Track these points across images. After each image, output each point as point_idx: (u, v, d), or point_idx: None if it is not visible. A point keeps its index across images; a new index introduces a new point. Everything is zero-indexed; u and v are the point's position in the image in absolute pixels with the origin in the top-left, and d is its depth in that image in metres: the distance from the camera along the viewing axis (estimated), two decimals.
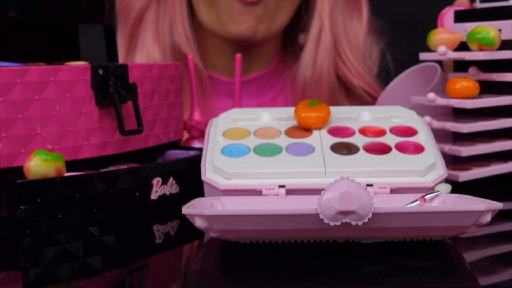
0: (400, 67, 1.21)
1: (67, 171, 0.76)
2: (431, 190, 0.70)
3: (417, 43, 1.11)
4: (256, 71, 1.25)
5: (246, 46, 1.21)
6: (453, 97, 0.85)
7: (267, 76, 1.26)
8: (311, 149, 0.74)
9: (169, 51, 1.22)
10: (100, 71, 0.78)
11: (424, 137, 0.76)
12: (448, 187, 0.68)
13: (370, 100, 1.23)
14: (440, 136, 0.93)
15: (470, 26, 0.88)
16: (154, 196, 0.77)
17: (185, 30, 1.21)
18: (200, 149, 0.92)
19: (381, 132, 0.77)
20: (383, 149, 0.74)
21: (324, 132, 0.78)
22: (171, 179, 0.79)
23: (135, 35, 1.23)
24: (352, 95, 1.24)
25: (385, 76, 1.25)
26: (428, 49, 0.91)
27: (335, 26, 1.20)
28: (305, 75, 1.21)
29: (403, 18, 1.26)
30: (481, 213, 0.57)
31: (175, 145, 0.96)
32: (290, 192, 0.70)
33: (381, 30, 1.24)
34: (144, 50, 1.22)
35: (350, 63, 1.21)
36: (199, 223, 0.58)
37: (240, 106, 1.02)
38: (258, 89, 1.26)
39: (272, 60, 1.25)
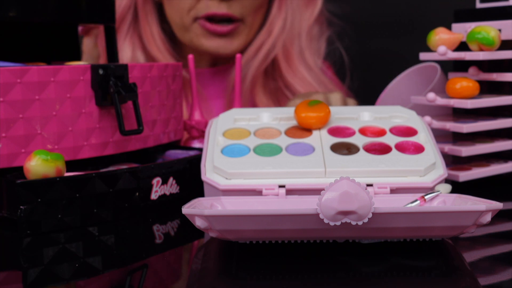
0: (350, 55, 1.23)
1: (67, 171, 0.76)
2: (431, 190, 0.70)
3: (417, 43, 1.11)
4: (222, 63, 1.29)
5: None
6: (453, 97, 0.85)
7: (229, 69, 1.30)
8: (311, 149, 0.75)
9: (146, 57, 1.28)
10: (100, 71, 0.78)
11: (424, 137, 0.76)
12: (448, 187, 0.68)
13: None
14: (440, 136, 0.93)
15: (470, 26, 0.88)
16: (154, 196, 0.77)
17: (156, 43, 1.26)
18: (200, 149, 0.92)
19: (381, 132, 0.77)
20: (383, 149, 0.74)
21: (324, 132, 0.78)
22: (171, 179, 0.79)
23: None
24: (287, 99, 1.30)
25: (339, 65, 1.27)
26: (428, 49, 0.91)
27: (279, 44, 1.25)
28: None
29: (401, 18, 1.26)
30: (481, 213, 0.57)
31: (175, 145, 0.96)
32: (290, 192, 0.70)
33: (329, 19, 1.26)
34: (124, 57, 1.27)
35: (285, 70, 1.26)
36: (199, 223, 0.58)
37: (240, 106, 1.02)
38: (225, 81, 1.30)
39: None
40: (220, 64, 1.29)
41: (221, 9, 1.18)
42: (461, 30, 0.90)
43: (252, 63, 1.25)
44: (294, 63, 1.26)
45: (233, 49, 1.23)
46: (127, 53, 1.26)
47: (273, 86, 1.28)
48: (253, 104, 1.28)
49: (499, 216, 0.70)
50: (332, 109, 0.82)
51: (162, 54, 1.25)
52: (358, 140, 0.76)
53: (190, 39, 1.23)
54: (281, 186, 0.70)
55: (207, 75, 1.28)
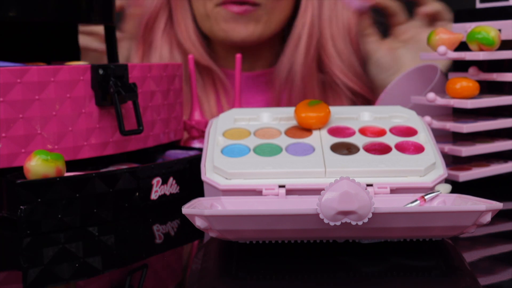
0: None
1: (67, 171, 0.76)
2: (431, 190, 0.70)
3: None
4: (261, 68, 1.29)
5: (244, 51, 1.25)
6: (453, 97, 0.85)
7: (272, 73, 1.29)
8: (311, 149, 0.75)
9: (182, 54, 1.28)
10: (100, 71, 0.78)
11: (424, 137, 0.76)
12: (448, 187, 0.68)
13: (353, 98, 1.26)
14: (440, 136, 0.93)
15: (470, 26, 0.88)
16: (154, 196, 0.77)
17: (191, 39, 1.27)
18: (200, 149, 0.92)
19: (381, 132, 0.77)
20: (383, 149, 0.74)
21: (324, 132, 0.78)
22: (171, 179, 0.79)
23: (148, 39, 1.28)
24: (336, 93, 1.27)
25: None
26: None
27: (319, 24, 1.25)
28: (279, 78, 1.26)
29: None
30: (481, 213, 0.57)
31: (175, 145, 0.96)
32: (290, 192, 0.70)
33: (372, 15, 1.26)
34: (157, 53, 1.28)
35: (334, 60, 1.25)
36: (199, 223, 0.58)
37: (240, 105, 1.02)
38: (263, 85, 1.30)
39: (276, 59, 1.29)
40: (258, 69, 1.29)
41: None
42: (461, 30, 0.90)
43: (296, 57, 1.25)
44: (343, 57, 1.25)
45: (248, 33, 1.23)
46: (165, 51, 1.27)
47: (323, 80, 1.27)
48: (304, 97, 1.26)
49: (499, 216, 0.70)
50: (332, 109, 0.82)
51: (197, 50, 1.26)
52: (358, 140, 0.76)
53: (210, 27, 1.24)
54: (281, 186, 0.70)
55: (243, 79, 1.28)
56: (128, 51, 1.29)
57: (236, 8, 1.21)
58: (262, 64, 1.29)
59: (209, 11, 1.23)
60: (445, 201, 0.66)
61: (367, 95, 1.27)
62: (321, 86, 1.28)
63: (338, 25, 1.25)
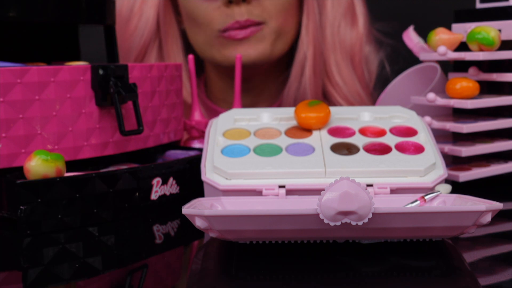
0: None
1: (67, 171, 0.76)
2: (431, 190, 0.70)
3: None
4: (265, 100, 1.24)
5: (249, 81, 1.20)
6: (453, 97, 0.85)
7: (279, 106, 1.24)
8: (311, 149, 0.75)
9: None
10: (100, 71, 0.78)
11: (424, 137, 0.76)
12: (448, 187, 0.68)
13: None
14: (440, 136, 0.93)
15: (470, 26, 0.88)
16: (154, 196, 0.77)
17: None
18: (200, 149, 0.92)
19: (381, 132, 0.77)
20: (383, 149, 0.74)
21: (324, 132, 0.78)
22: (171, 179, 0.79)
23: None
24: None
25: (383, 88, 1.22)
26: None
27: (320, 50, 1.19)
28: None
29: (404, 19, 1.25)
30: (481, 213, 0.57)
31: (175, 145, 0.96)
32: (290, 192, 0.70)
33: (380, 40, 1.21)
34: None
35: (339, 88, 1.20)
36: (199, 223, 0.58)
37: (240, 106, 1.02)
38: None
39: (278, 95, 1.24)
40: (263, 102, 1.22)
41: (242, 16, 1.14)
42: (461, 30, 0.90)
43: (302, 82, 1.19)
44: (349, 86, 1.19)
45: (258, 53, 1.16)
46: None
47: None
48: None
49: (499, 216, 0.70)
50: (332, 109, 0.82)
51: (185, 88, 1.20)
52: (358, 140, 0.76)
53: (212, 55, 1.18)
54: (281, 186, 0.70)
55: None
56: None
57: (241, 34, 1.14)
58: (264, 101, 1.23)
59: (210, 39, 1.16)
60: (445, 201, 0.66)
61: None
62: None
63: (341, 51, 1.19)
